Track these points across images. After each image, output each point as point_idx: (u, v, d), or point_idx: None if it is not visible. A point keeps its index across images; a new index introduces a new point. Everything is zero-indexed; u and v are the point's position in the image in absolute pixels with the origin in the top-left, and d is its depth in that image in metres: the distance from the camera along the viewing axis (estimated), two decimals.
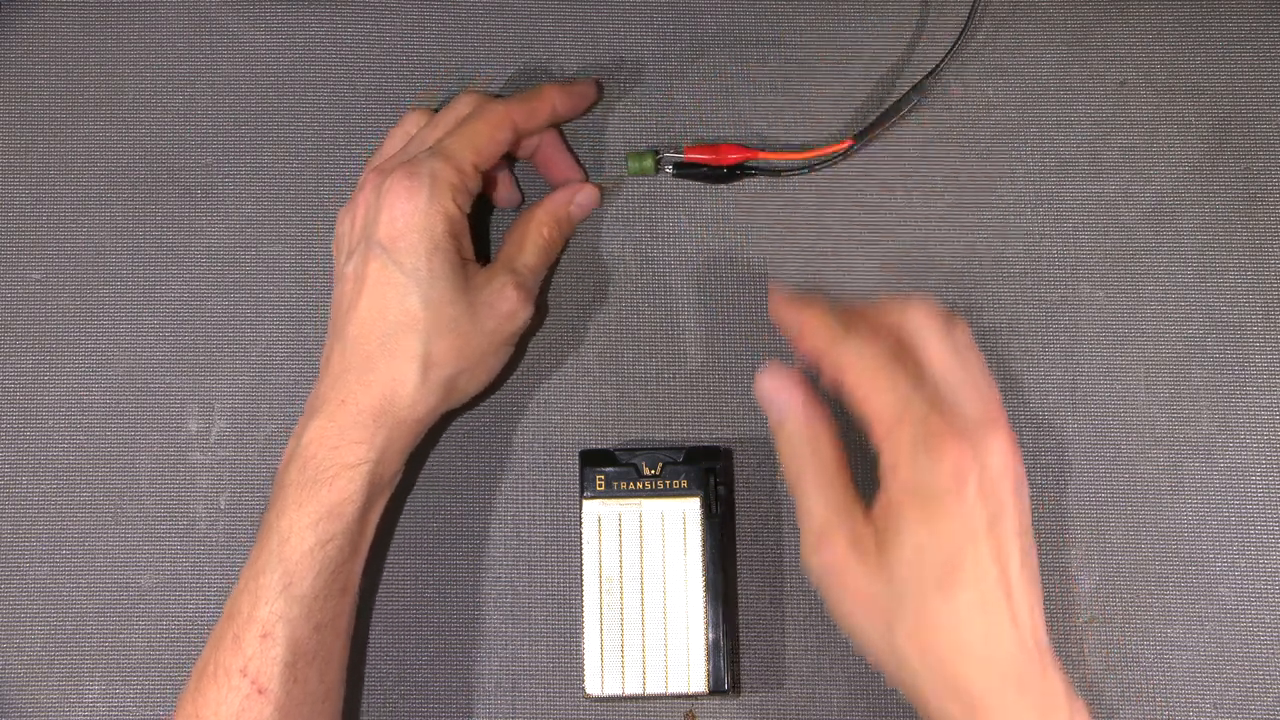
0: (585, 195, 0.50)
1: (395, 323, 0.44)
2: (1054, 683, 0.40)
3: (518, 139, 0.48)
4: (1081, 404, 0.50)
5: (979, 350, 0.44)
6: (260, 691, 0.42)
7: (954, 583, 0.39)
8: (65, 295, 0.51)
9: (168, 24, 0.53)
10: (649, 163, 0.51)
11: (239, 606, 0.43)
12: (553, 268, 0.51)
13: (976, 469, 0.40)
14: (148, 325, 0.51)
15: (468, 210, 0.46)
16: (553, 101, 0.49)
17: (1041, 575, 0.48)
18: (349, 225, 0.47)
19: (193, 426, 0.50)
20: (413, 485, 0.50)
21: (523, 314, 0.47)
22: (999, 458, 0.40)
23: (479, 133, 0.46)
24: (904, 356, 0.42)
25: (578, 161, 0.51)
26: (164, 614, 0.49)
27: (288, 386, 0.51)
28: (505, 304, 0.46)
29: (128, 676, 0.49)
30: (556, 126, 0.51)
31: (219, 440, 0.50)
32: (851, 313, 0.44)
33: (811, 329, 0.44)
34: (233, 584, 0.49)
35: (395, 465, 0.46)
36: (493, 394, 0.50)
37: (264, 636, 0.42)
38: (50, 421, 0.51)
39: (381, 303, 0.44)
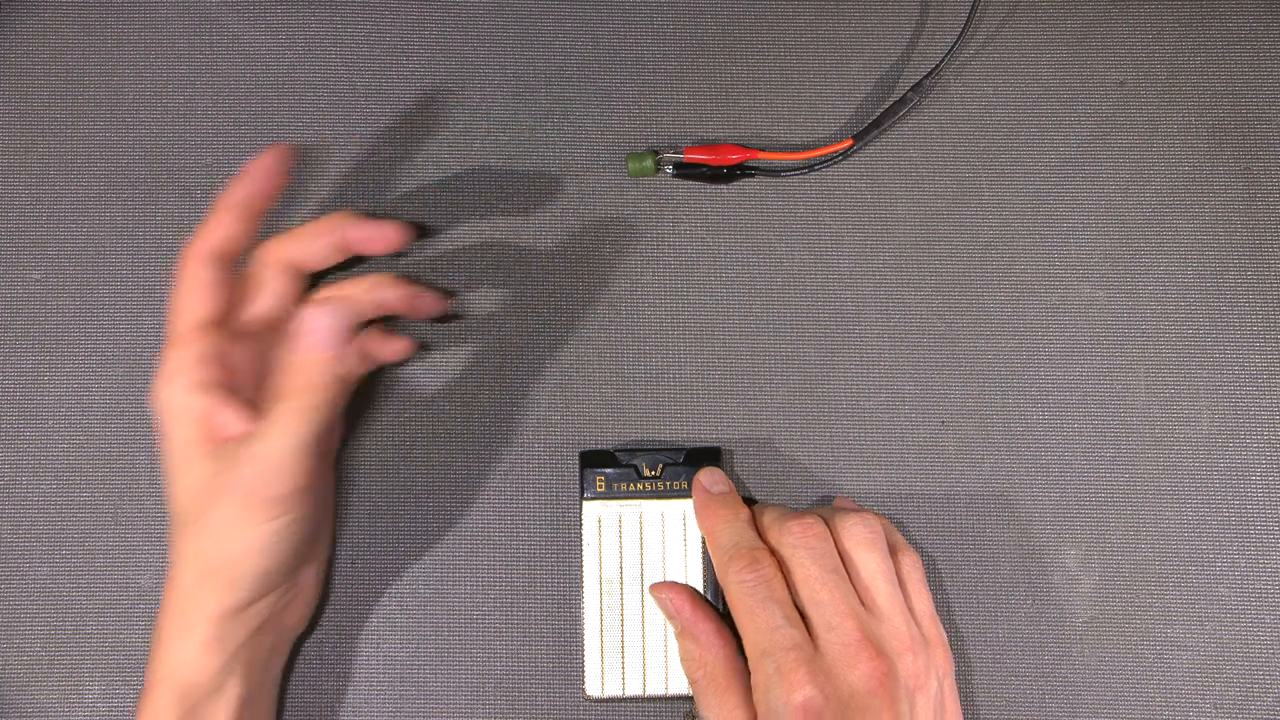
0: (369, 346, 0.48)
1: (183, 509, 0.44)
2: None
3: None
4: (1081, 404, 0.50)
5: (875, 541, 0.44)
6: None
7: None
8: (65, 295, 0.51)
9: (168, 24, 0.53)
10: (649, 163, 0.51)
11: None
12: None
13: (829, 706, 0.40)
14: (148, 325, 0.51)
15: (219, 380, 0.44)
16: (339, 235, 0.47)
17: (1041, 575, 0.48)
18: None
19: None
20: (414, 486, 0.50)
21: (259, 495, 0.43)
22: (861, 683, 0.41)
23: (191, 309, 0.45)
24: (776, 586, 0.43)
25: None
26: None
27: None
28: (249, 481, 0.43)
29: (128, 676, 0.49)
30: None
31: None
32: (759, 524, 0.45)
33: (710, 543, 0.45)
34: None
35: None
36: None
37: None
38: (50, 421, 0.51)
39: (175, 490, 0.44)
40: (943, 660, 0.44)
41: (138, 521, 0.50)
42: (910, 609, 0.44)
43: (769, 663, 0.41)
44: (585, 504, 0.48)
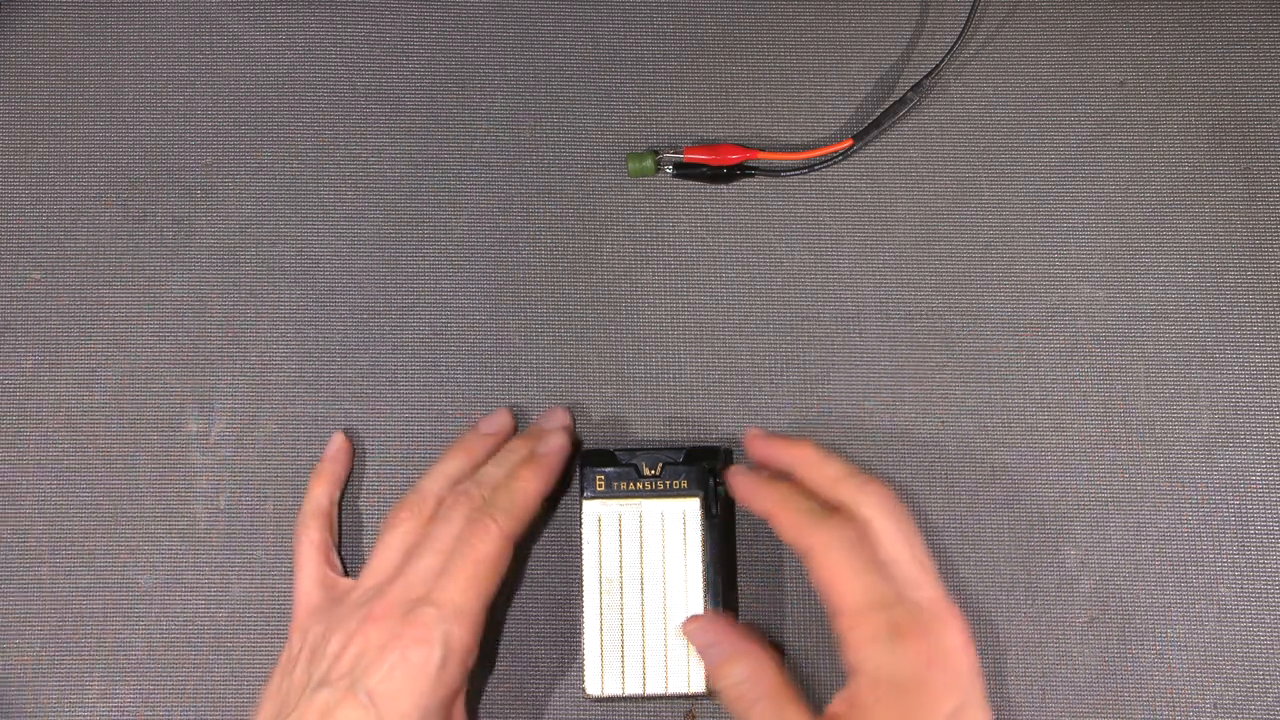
0: None
1: None
2: None
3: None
4: (1081, 404, 0.50)
5: (919, 531, 0.44)
6: None
7: None
8: (65, 295, 0.51)
9: (168, 24, 0.53)
10: (649, 163, 0.51)
11: None
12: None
13: (940, 659, 0.41)
14: (148, 325, 0.51)
15: (473, 667, 0.44)
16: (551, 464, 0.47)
17: (1041, 575, 0.48)
18: (336, 645, 0.43)
19: (193, 426, 0.50)
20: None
21: None
22: (958, 647, 0.42)
23: (487, 571, 0.44)
24: (865, 545, 0.43)
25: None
26: (164, 614, 0.49)
27: (287, 386, 0.51)
28: None
29: (128, 676, 0.49)
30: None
31: (219, 440, 0.50)
32: (815, 490, 0.45)
33: (782, 515, 0.45)
34: (232, 583, 0.49)
35: None
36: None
37: None
38: (50, 421, 0.51)
39: None
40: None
41: (138, 521, 0.50)
42: None
43: (879, 617, 0.42)
44: (585, 503, 0.48)
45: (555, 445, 0.48)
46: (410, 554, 0.45)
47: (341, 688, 0.42)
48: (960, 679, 0.42)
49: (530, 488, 0.46)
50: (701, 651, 0.46)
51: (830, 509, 0.44)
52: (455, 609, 0.43)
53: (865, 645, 0.42)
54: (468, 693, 0.45)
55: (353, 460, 0.50)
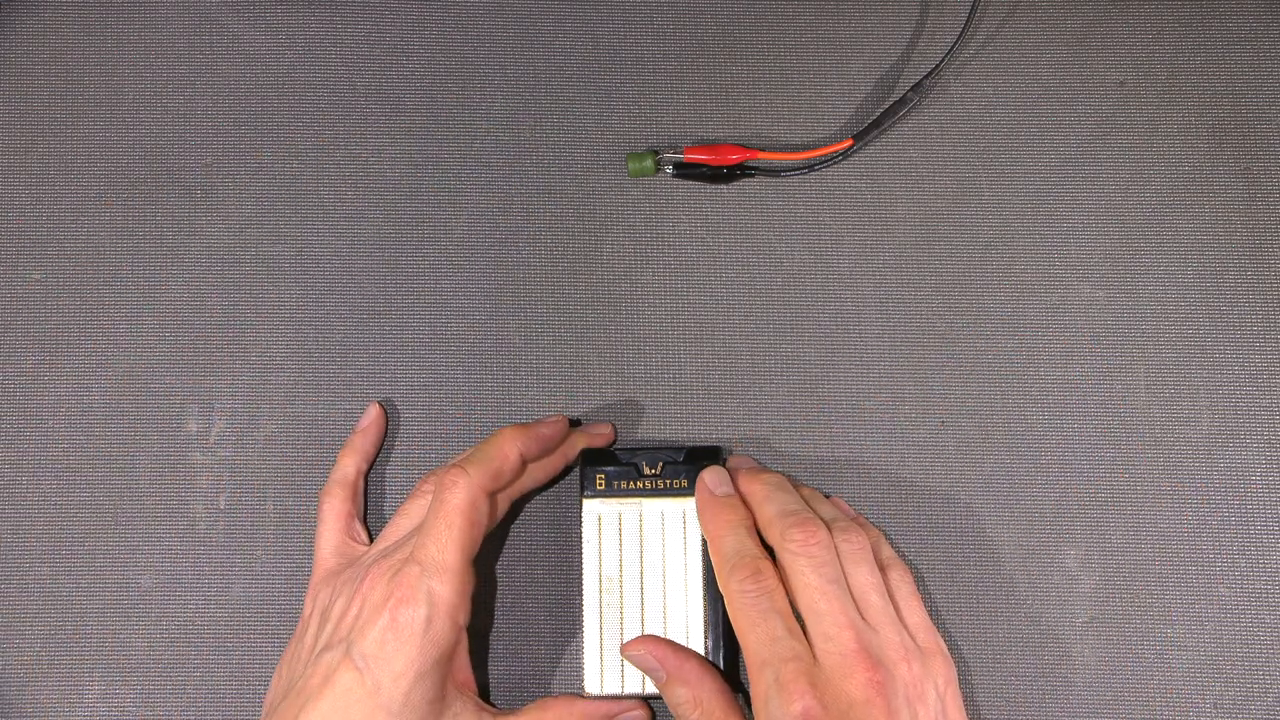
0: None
1: None
2: None
3: (515, 477, 0.46)
4: (1081, 404, 0.50)
5: (865, 556, 0.44)
6: None
7: None
8: (65, 295, 0.51)
9: (168, 24, 0.53)
10: (649, 163, 0.51)
11: None
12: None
13: (827, 715, 0.40)
14: (148, 325, 0.51)
15: (468, 619, 0.44)
16: (516, 446, 0.46)
17: (1041, 575, 0.48)
18: (340, 607, 0.44)
19: (193, 426, 0.50)
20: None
21: None
22: (859, 691, 0.41)
23: (456, 529, 0.44)
24: (781, 595, 0.43)
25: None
26: (164, 614, 0.49)
27: (288, 386, 0.51)
28: None
29: (128, 676, 0.49)
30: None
31: (219, 440, 0.50)
32: (756, 515, 0.46)
33: (713, 552, 0.45)
34: (232, 583, 0.49)
35: None
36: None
37: None
38: (50, 421, 0.51)
39: (343, 712, 0.42)
40: (941, 669, 0.44)
41: (138, 521, 0.50)
42: (903, 622, 0.44)
43: (769, 673, 0.42)
44: (585, 502, 0.48)
45: (548, 420, 0.48)
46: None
47: (340, 652, 0.43)
48: None
49: (505, 444, 0.46)
50: (645, 673, 0.46)
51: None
52: (434, 564, 0.43)
53: (754, 700, 0.42)
54: (473, 650, 0.45)
55: (385, 433, 0.50)
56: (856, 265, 0.51)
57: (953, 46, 0.51)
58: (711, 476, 0.47)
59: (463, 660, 0.45)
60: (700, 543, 0.47)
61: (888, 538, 0.48)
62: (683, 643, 0.47)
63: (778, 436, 0.50)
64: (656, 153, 0.51)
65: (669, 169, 0.51)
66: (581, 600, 0.47)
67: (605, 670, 0.47)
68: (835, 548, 0.44)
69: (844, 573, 0.44)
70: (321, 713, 0.42)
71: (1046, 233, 0.51)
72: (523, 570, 0.50)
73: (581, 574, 0.47)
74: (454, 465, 0.45)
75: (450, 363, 0.51)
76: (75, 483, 0.50)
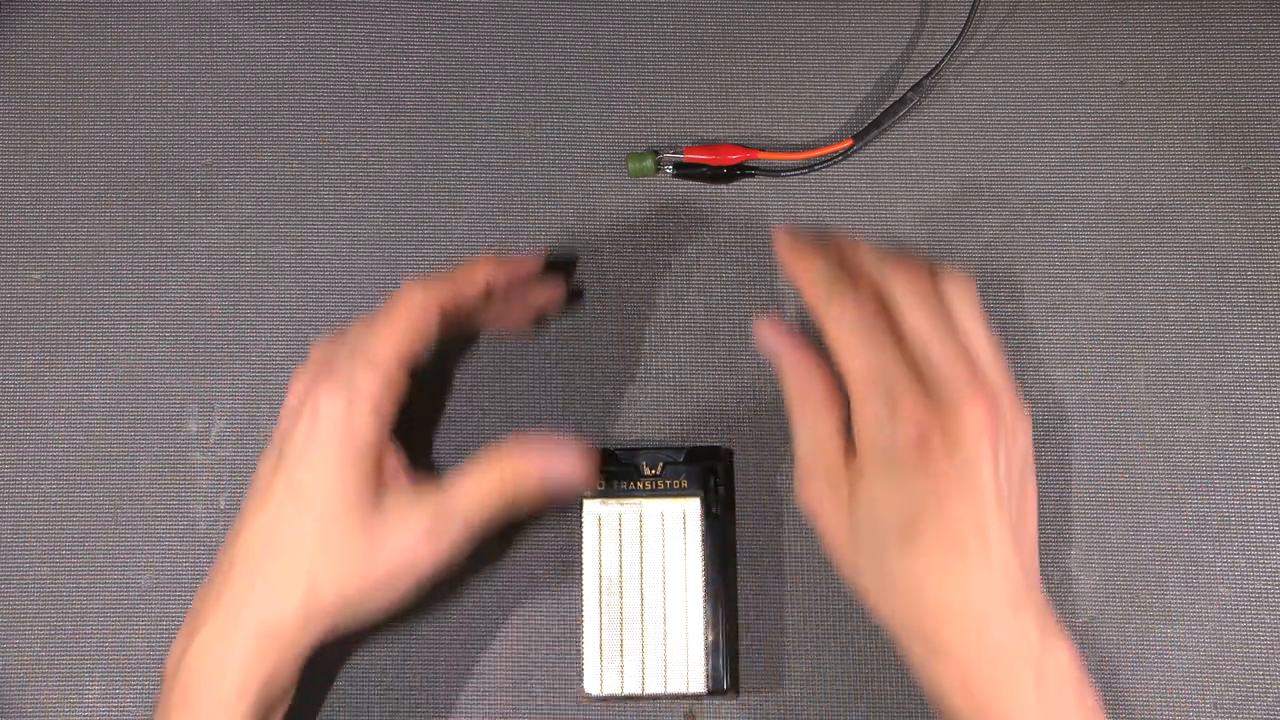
0: (566, 470, 0.44)
1: (283, 545, 0.41)
2: (1026, 626, 0.40)
3: (452, 319, 0.44)
4: (1081, 404, 0.50)
5: (978, 313, 0.43)
6: None
7: (913, 542, 0.40)
8: (65, 295, 0.51)
9: (168, 24, 0.53)
10: (649, 163, 0.51)
11: None
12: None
13: (941, 432, 0.40)
14: (148, 325, 0.51)
15: (393, 415, 0.43)
16: (483, 272, 0.45)
17: (1042, 575, 0.48)
18: (281, 426, 0.43)
19: (193, 426, 0.50)
20: None
21: (425, 561, 0.42)
22: (971, 421, 0.40)
23: (399, 329, 0.42)
24: (886, 318, 0.42)
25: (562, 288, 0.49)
26: (164, 614, 0.49)
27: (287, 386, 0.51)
28: (408, 549, 0.42)
29: (128, 676, 0.49)
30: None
31: (219, 440, 0.50)
32: (847, 264, 0.44)
33: (806, 283, 0.44)
34: None
35: (284, 684, 0.42)
36: (402, 619, 0.48)
37: None
38: (50, 421, 0.51)
39: (275, 519, 0.41)
40: (1025, 431, 0.43)
41: (138, 521, 0.50)
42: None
43: (880, 396, 0.41)
44: (585, 502, 0.48)
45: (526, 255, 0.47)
46: None
47: (271, 459, 0.43)
48: (966, 454, 0.40)
49: (474, 264, 0.45)
50: (762, 349, 0.45)
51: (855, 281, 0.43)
52: (362, 354, 0.42)
53: (864, 415, 0.41)
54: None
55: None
56: None
57: (953, 46, 0.51)
58: (787, 230, 0.46)
59: (394, 462, 0.43)
60: (700, 543, 0.47)
61: None
62: (682, 645, 0.47)
63: (778, 436, 0.50)
64: (656, 153, 0.51)
65: (669, 169, 0.51)
66: (581, 600, 0.47)
67: (605, 670, 0.47)
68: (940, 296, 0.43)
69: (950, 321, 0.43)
70: (259, 524, 0.42)
71: (1046, 233, 0.51)
72: (523, 570, 0.50)
73: (581, 574, 0.47)
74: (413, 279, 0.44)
75: (450, 362, 0.51)
76: (75, 483, 0.50)
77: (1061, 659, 0.40)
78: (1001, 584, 0.40)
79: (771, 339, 0.45)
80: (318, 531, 0.41)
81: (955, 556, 0.40)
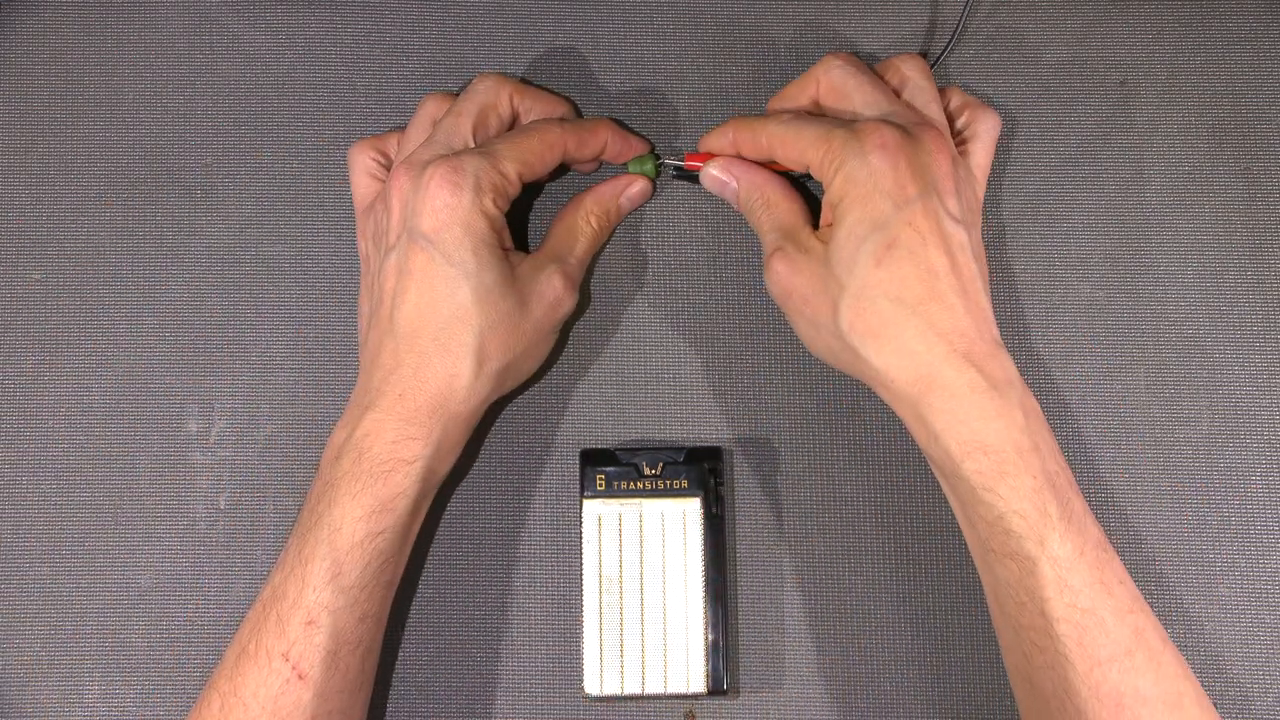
0: (637, 189, 0.50)
1: (448, 317, 0.44)
2: (1004, 361, 0.42)
3: (563, 162, 0.48)
4: (1082, 404, 0.50)
5: (926, 72, 0.47)
6: (301, 677, 0.42)
7: (889, 255, 0.42)
8: (65, 295, 0.51)
9: (168, 24, 0.53)
10: (649, 166, 0.51)
11: (285, 590, 0.43)
12: (598, 255, 0.51)
13: (905, 148, 0.42)
14: (148, 325, 0.51)
15: (505, 213, 0.46)
16: (606, 139, 0.49)
17: None
18: (384, 217, 0.46)
19: (193, 426, 0.50)
20: None
21: (568, 302, 0.47)
22: (928, 144, 0.43)
23: (530, 148, 0.46)
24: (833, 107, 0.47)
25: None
26: (164, 614, 0.49)
27: (288, 386, 0.51)
28: (552, 293, 0.47)
29: (128, 676, 0.49)
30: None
31: (219, 440, 0.50)
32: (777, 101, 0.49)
33: (739, 135, 0.48)
34: (232, 583, 0.49)
35: (449, 460, 0.46)
36: (538, 380, 0.50)
37: (309, 623, 0.42)
38: (50, 421, 0.51)
39: (432, 296, 0.44)
40: (976, 201, 0.47)
41: (138, 521, 0.50)
42: (964, 154, 0.47)
43: (839, 133, 0.44)
44: (585, 502, 0.48)
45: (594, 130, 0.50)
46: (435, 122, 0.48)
47: (401, 246, 0.44)
48: (927, 171, 0.42)
49: (595, 129, 0.49)
50: (715, 189, 0.49)
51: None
52: (491, 153, 0.45)
53: (828, 160, 0.44)
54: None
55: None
56: None
57: (953, 47, 0.51)
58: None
59: (508, 237, 0.47)
60: (701, 543, 0.47)
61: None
62: (682, 645, 0.47)
63: (778, 436, 0.50)
64: (658, 156, 0.51)
65: (670, 170, 0.51)
66: (581, 600, 0.47)
67: (605, 670, 0.47)
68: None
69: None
70: (410, 303, 0.44)
71: (1046, 233, 0.51)
72: (523, 570, 0.50)
73: (581, 575, 0.47)
74: (548, 122, 0.48)
75: None
76: (75, 483, 0.50)
77: (1034, 401, 0.43)
78: (976, 318, 0.42)
79: (723, 170, 0.48)
80: (475, 299, 0.44)
81: (934, 269, 0.42)
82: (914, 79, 0.47)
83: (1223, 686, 0.48)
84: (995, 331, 0.43)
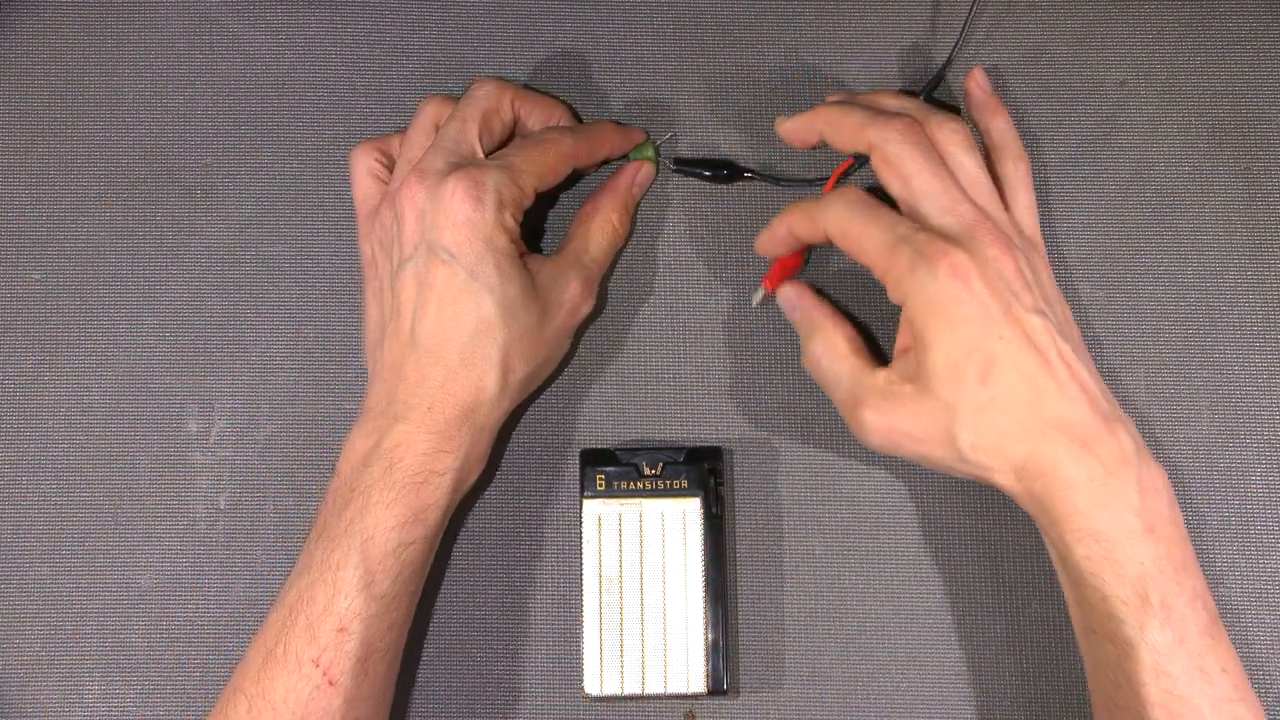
0: (644, 174, 0.51)
1: (473, 331, 0.44)
2: (1121, 438, 0.42)
3: (574, 168, 0.49)
4: None
5: (970, 145, 0.45)
6: (331, 683, 0.42)
7: (991, 371, 0.42)
8: (65, 295, 0.51)
9: (168, 24, 0.53)
10: (650, 152, 0.51)
11: (313, 595, 0.43)
12: (617, 256, 0.51)
13: (974, 265, 0.42)
14: (148, 325, 0.51)
15: (520, 224, 0.46)
16: (611, 143, 0.50)
17: (1043, 574, 0.48)
18: (394, 225, 0.45)
19: (193, 426, 0.50)
20: None
21: (586, 307, 0.48)
22: (990, 250, 0.42)
23: (546, 161, 0.47)
24: (878, 198, 0.45)
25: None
26: (164, 614, 0.49)
27: (288, 386, 0.51)
28: (571, 299, 0.47)
29: (128, 676, 0.49)
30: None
31: (219, 440, 0.50)
32: (839, 135, 0.47)
33: (790, 216, 0.47)
34: (232, 583, 0.49)
35: (476, 471, 0.46)
36: (550, 386, 0.51)
37: (340, 630, 0.42)
38: (50, 421, 0.51)
39: (455, 310, 0.44)
40: (1042, 264, 0.46)
41: (138, 521, 0.50)
42: (1009, 212, 0.46)
43: (904, 250, 0.43)
44: (585, 502, 0.48)
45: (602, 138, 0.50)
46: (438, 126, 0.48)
47: (421, 256, 0.44)
48: (999, 279, 0.42)
49: (600, 135, 0.49)
50: (785, 311, 0.49)
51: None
52: (509, 166, 0.45)
53: (899, 283, 0.43)
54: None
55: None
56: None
57: (954, 47, 0.51)
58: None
59: (524, 247, 0.47)
60: (701, 543, 0.47)
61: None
62: (682, 645, 0.47)
63: (778, 436, 0.50)
64: (656, 144, 0.51)
65: (669, 163, 0.51)
66: (581, 600, 0.47)
67: (605, 670, 0.47)
68: (933, 139, 0.45)
69: (951, 159, 0.45)
70: (432, 316, 0.44)
71: (1046, 233, 0.51)
72: (523, 570, 0.50)
73: (581, 575, 0.47)
74: (559, 130, 0.48)
75: None
76: (75, 483, 0.50)
77: (1156, 473, 0.42)
78: (1083, 401, 0.42)
79: (789, 299, 0.48)
80: (499, 313, 0.44)
81: (1034, 371, 0.42)
82: (957, 158, 0.45)
83: None
84: (1107, 401, 0.43)
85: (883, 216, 0.44)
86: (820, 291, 0.49)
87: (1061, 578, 0.44)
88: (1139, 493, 0.41)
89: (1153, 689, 0.40)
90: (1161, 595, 0.41)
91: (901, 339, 0.45)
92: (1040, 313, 0.43)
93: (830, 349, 0.46)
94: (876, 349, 0.49)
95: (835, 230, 0.45)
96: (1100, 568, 0.41)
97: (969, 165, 0.45)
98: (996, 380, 0.42)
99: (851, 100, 0.48)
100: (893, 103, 0.48)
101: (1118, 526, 0.41)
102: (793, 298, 0.48)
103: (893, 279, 0.43)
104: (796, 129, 0.48)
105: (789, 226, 0.47)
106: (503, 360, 0.45)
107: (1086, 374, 0.43)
